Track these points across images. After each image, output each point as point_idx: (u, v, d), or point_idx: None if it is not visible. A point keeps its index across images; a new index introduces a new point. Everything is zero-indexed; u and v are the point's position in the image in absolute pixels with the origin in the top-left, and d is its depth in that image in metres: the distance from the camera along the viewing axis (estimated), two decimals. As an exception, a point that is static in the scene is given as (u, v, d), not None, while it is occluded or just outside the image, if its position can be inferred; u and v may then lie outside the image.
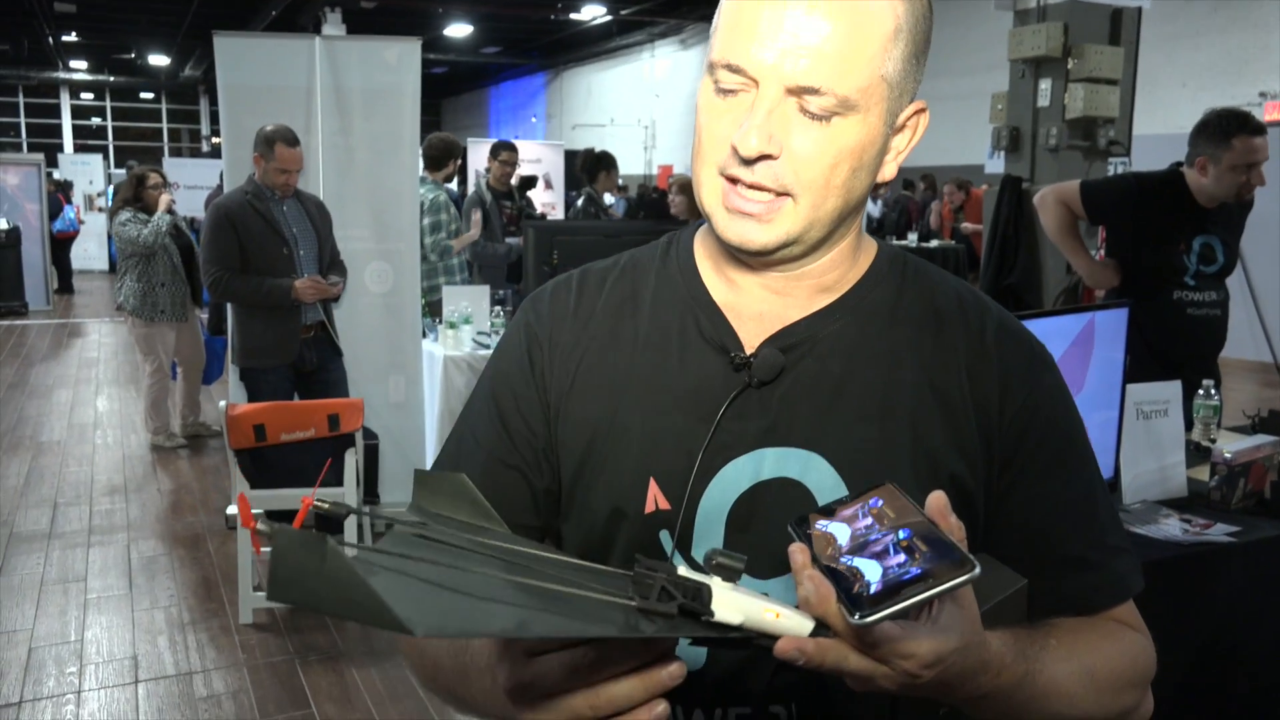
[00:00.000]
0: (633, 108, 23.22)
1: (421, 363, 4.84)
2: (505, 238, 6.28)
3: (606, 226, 6.03)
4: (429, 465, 4.25)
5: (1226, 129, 3.07)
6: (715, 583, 0.65)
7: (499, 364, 1.00)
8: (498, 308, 4.94)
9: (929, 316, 0.93)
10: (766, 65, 0.79)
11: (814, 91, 0.79)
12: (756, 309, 0.92)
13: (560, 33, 21.46)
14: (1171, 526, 2.30)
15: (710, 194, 0.86)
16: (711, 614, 0.64)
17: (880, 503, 0.72)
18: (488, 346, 4.69)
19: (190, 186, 11.91)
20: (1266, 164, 3.18)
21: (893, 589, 0.62)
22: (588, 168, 6.78)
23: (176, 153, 25.61)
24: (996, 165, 5.07)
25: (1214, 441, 2.92)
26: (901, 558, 0.65)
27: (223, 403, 3.83)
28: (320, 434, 3.69)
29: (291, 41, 4.40)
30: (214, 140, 27.07)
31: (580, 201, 6.92)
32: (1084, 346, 2.49)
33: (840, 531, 0.70)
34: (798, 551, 0.68)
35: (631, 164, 21.53)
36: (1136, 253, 3.28)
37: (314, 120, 4.41)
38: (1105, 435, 2.47)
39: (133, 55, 23.46)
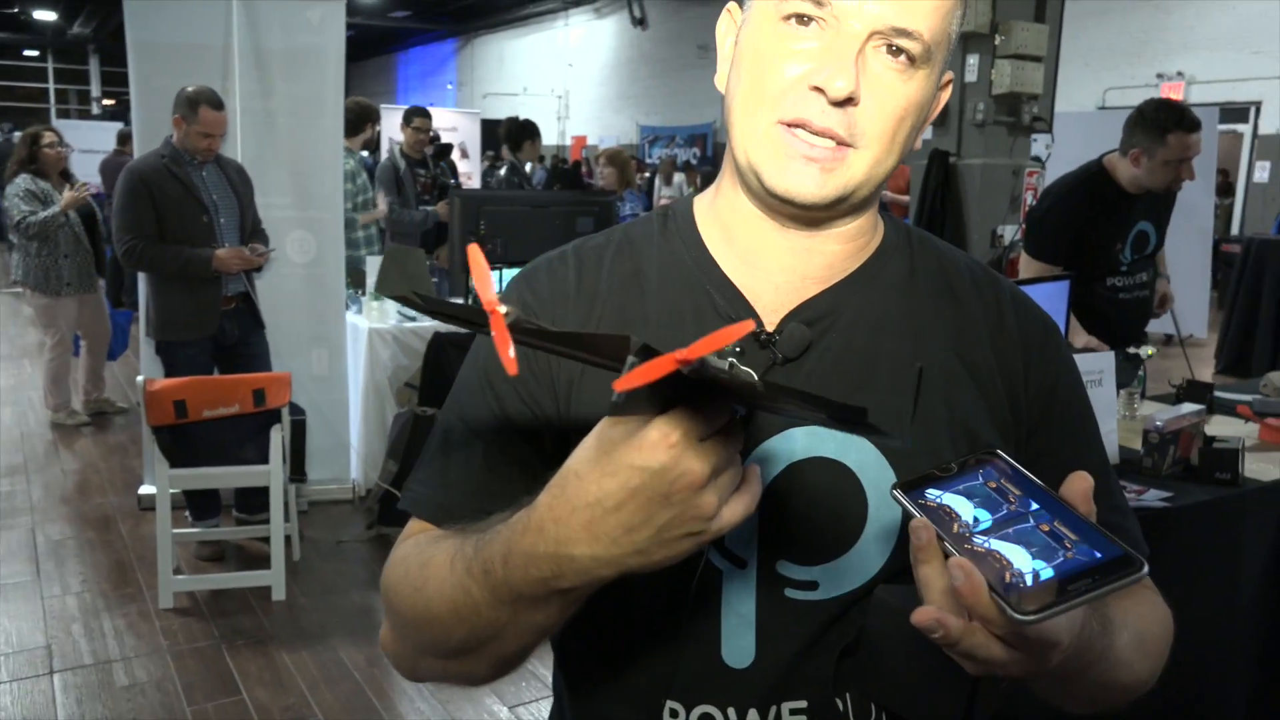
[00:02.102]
0: (546, 77, 22.96)
1: (345, 335, 4.70)
2: (420, 205, 6.14)
3: (534, 196, 5.94)
4: (354, 440, 4.10)
5: (1163, 124, 3.09)
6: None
7: (487, 347, 0.93)
8: (422, 278, 4.82)
9: (944, 288, 0.90)
10: (854, 2, 0.74)
11: (906, 34, 0.75)
12: (772, 282, 0.87)
13: (472, -2, 21.06)
14: (1109, 493, 2.37)
15: (763, 144, 0.79)
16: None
17: (995, 475, 0.68)
18: (413, 318, 4.58)
19: (85, 150, 11.32)
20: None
21: (1054, 584, 0.58)
22: (511, 136, 6.66)
23: (64, 114, 24.38)
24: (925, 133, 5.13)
25: (1139, 411, 3.03)
26: (1050, 544, 0.61)
27: (141, 378, 3.65)
28: (245, 410, 3.55)
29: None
30: (105, 102, 25.86)
31: (503, 171, 6.80)
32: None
33: (961, 506, 0.66)
34: (921, 528, 0.63)
35: (545, 134, 21.28)
36: (1077, 253, 3.29)
37: (231, 82, 4.21)
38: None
39: (15, 10, 22.20)
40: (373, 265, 4.82)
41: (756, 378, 0.59)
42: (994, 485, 0.67)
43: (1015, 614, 0.57)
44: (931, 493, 0.67)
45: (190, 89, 3.82)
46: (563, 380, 0.87)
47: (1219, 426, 2.91)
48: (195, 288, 3.90)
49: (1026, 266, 3.42)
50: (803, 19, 0.77)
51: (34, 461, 5.37)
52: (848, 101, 0.75)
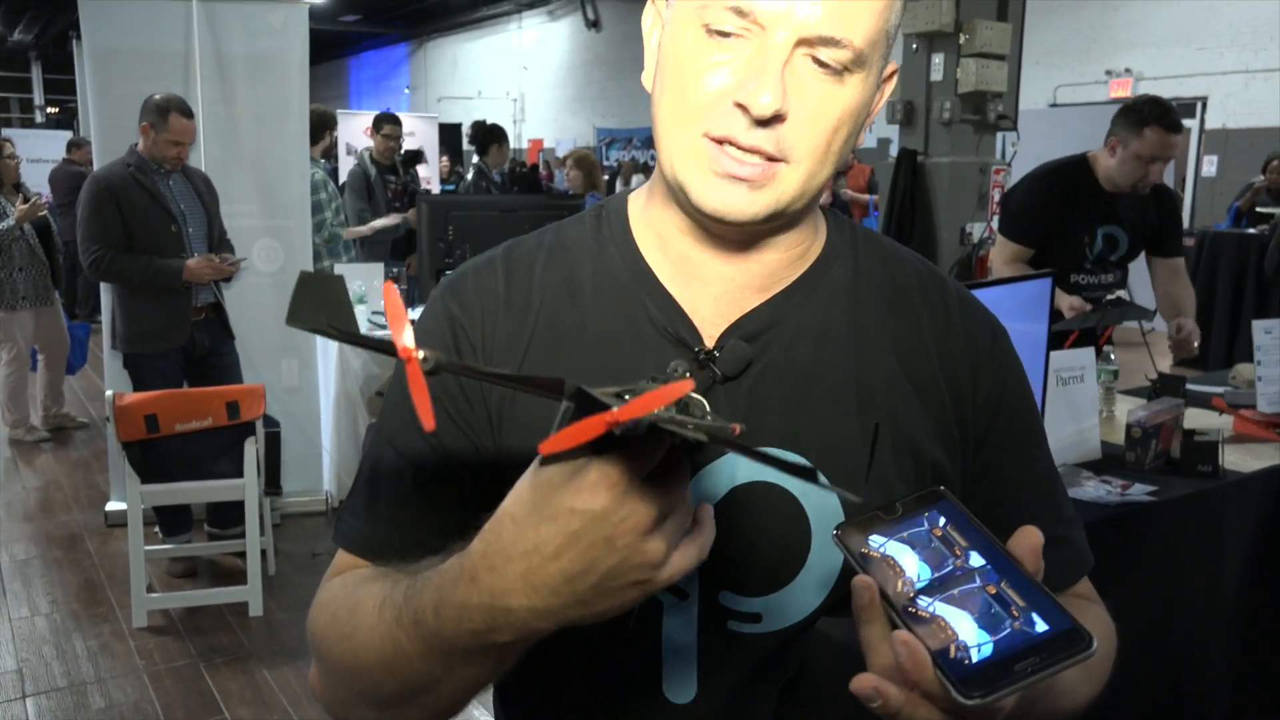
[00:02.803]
0: (500, 80, 22.84)
1: (315, 345, 4.63)
2: (390, 212, 6.07)
3: (501, 201, 5.89)
4: (326, 451, 4.03)
5: (1143, 117, 3.09)
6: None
7: None
8: (392, 286, 4.76)
9: (889, 292, 0.85)
10: (778, 10, 0.68)
11: (833, 43, 0.69)
12: (710, 293, 0.82)
13: (423, 1, 20.89)
14: (1095, 488, 2.40)
15: (689, 159, 0.73)
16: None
17: (942, 520, 0.64)
18: (384, 326, 4.53)
19: (34, 160, 11.05)
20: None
21: (1000, 663, 0.55)
22: (479, 140, 6.61)
23: (6, 124, 23.79)
24: (883, 132, 5.15)
25: (1117, 406, 3.08)
26: (996, 611, 0.58)
27: (109, 393, 3.56)
28: (218, 423, 3.47)
29: (165, 3, 4.10)
30: (49, 110, 25.28)
31: (470, 175, 6.74)
32: (1022, 311, 2.56)
33: (904, 558, 0.63)
34: (864, 589, 0.60)
35: (501, 137, 21.17)
36: (1044, 241, 3.32)
37: (193, 88, 4.13)
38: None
39: (-46, 17, 21.63)
40: (342, 273, 4.75)
41: (735, 431, 0.54)
42: (939, 533, 0.64)
43: (960, 698, 0.55)
44: (875, 539, 0.65)
45: (159, 96, 3.74)
46: (494, 400, 0.81)
47: (1194, 419, 2.95)
48: (165, 299, 3.82)
49: (1000, 246, 3.46)
50: (723, 35, 0.71)
51: (-8, 480, 5.24)
52: (775, 119, 0.70)
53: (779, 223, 0.77)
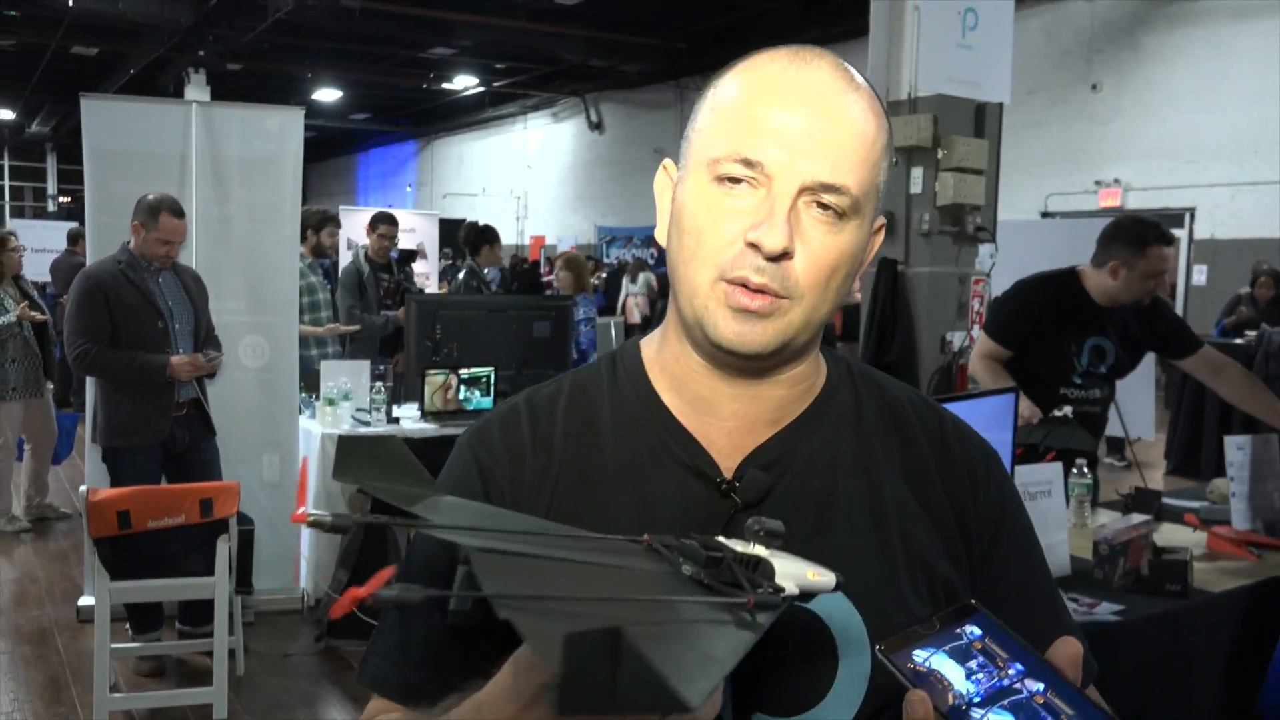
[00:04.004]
0: (505, 178, 23.32)
1: (298, 440, 4.64)
2: (381, 310, 6.15)
3: (490, 301, 5.97)
4: (305, 548, 4.00)
5: (1143, 238, 3.17)
6: (764, 552, 0.62)
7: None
8: (378, 383, 4.80)
9: (889, 422, 0.92)
10: (784, 161, 0.78)
11: (834, 189, 0.79)
12: (724, 427, 0.88)
13: (432, 102, 21.48)
14: (1062, 605, 2.38)
15: (708, 298, 0.82)
16: (783, 589, 0.60)
17: (980, 634, 0.67)
18: (367, 424, 4.54)
19: (38, 250, 11.25)
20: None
21: None
22: (470, 240, 6.73)
23: (19, 212, 24.27)
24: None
25: (1090, 521, 3.06)
26: None
27: (83, 487, 3.56)
28: (191, 520, 3.46)
29: (165, 106, 4.24)
30: (61, 200, 25.78)
31: (462, 275, 6.85)
32: (983, 426, 2.57)
33: (951, 671, 0.65)
34: (919, 702, 0.63)
35: (503, 234, 21.44)
36: (1026, 348, 3.35)
37: (188, 189, 4.23)
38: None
39: (-27, 109, 22.25)
40: (326, 370, 4.79)
41: (749, 602, 0.60)
42: (980, 646, 0.66)
43: None
44: (918, 654, 0.66)
45: (151, 196, 3.84)
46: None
47: (1168, 535, 2.94)
48: (146, 394, 3.85)
49: (980, 340, 3.51)
50: (735, 180, 0.80)
51: (-32, 572, 5.18)
52: (783, 256, 0.78)
53: (786, 354, 0.84)
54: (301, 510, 0.58)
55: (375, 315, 6.08)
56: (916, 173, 4.69)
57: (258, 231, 4.39)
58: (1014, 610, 0.88)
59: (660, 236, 0.90)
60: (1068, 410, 3.25)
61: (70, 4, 10.65)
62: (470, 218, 8.80)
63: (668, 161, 0.91)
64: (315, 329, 5.69)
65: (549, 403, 0.93)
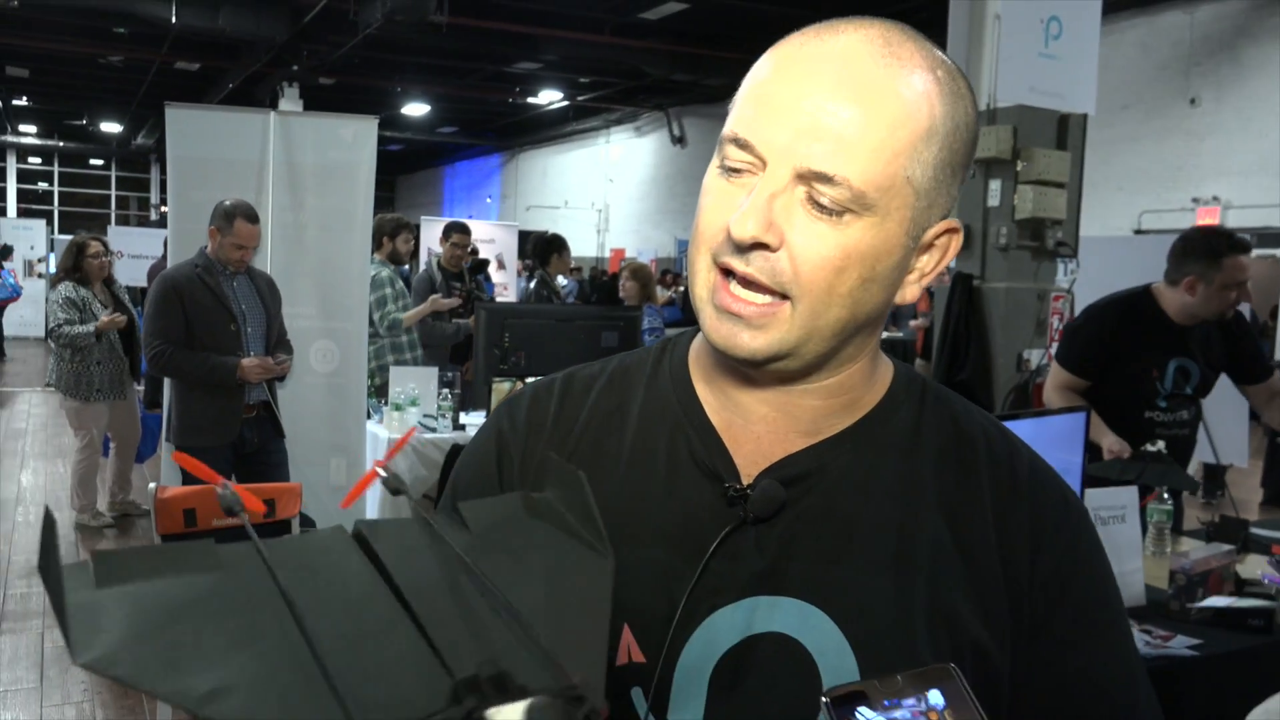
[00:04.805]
0: (587, 191, 23.51)
1: (365, 445, 4.70)
2: (453, 318, 6.21)
3: (558, 310, 5.98)
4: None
5: (1217, 249, 3.03)
6: None
7: (462, 475, 0.89)
8: (445, 390, 4.84)
9: (951, 452, 0.81)
10: (777, 145, 0.70)
11: (826, 179, 0.69)
12: (754, 431, 0.80)
13: (517, 115, 21.77)
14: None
15: (702, 285, 0.76)
16: None
17: (943, 704, 0.59)
18: (433, 429, 4.58)
19: (135, 256, 11.71)
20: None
21: None
22: (539, 251, 6.77)
23: (124, 220, 25.31)
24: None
25: (1169, 549, 2.91)
26: None
27: (152, 485, 3.65)
28: (254, 520, 3.51)
29: (246, 116, 4.36)
30: (163, 209, 26.83)
31: (532, 284, 6.89)
32: (1052, 447, 2.47)
33: None
34: None
35: (584, 246, 21.72)
36: (1105, 375, 3.21)
37: (265, 195, 4.34)
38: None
39: (84, 121, 23.31)
40: (395, 375, 4.85)
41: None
42: (935, 718, 0.59)
43: None
44: (863, 713, 0.59)
45: (228, 202, 3.94)
46: None
47: (1254, 567, 2.78)
48: (217, 395, 3.94)
49: (1053, 372, 3.36)
50: (737, 170, 0.73)
51: (53, 563, 5.36)
52: (760, 246, 0.70)
53: (792, 362, 0.76)
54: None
55: (446, 323, 6.14)
56: (994, 185, 4.56)
57: (330, 238, 4.48)
58: (1064, 706, 0.78)
59: None
60: (1161, 445, 3.09)
61: (173, 21, 11.06)
62: (552, 230, 8.89)
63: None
64: (422, 308, 5.70)
65: (587, 382, 0.89)
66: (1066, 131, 4.62)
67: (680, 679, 0.75)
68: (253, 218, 3.93)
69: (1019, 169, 4.49)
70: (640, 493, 0.80)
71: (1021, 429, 2.37)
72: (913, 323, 11.06)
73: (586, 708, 0.42)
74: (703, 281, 0.75)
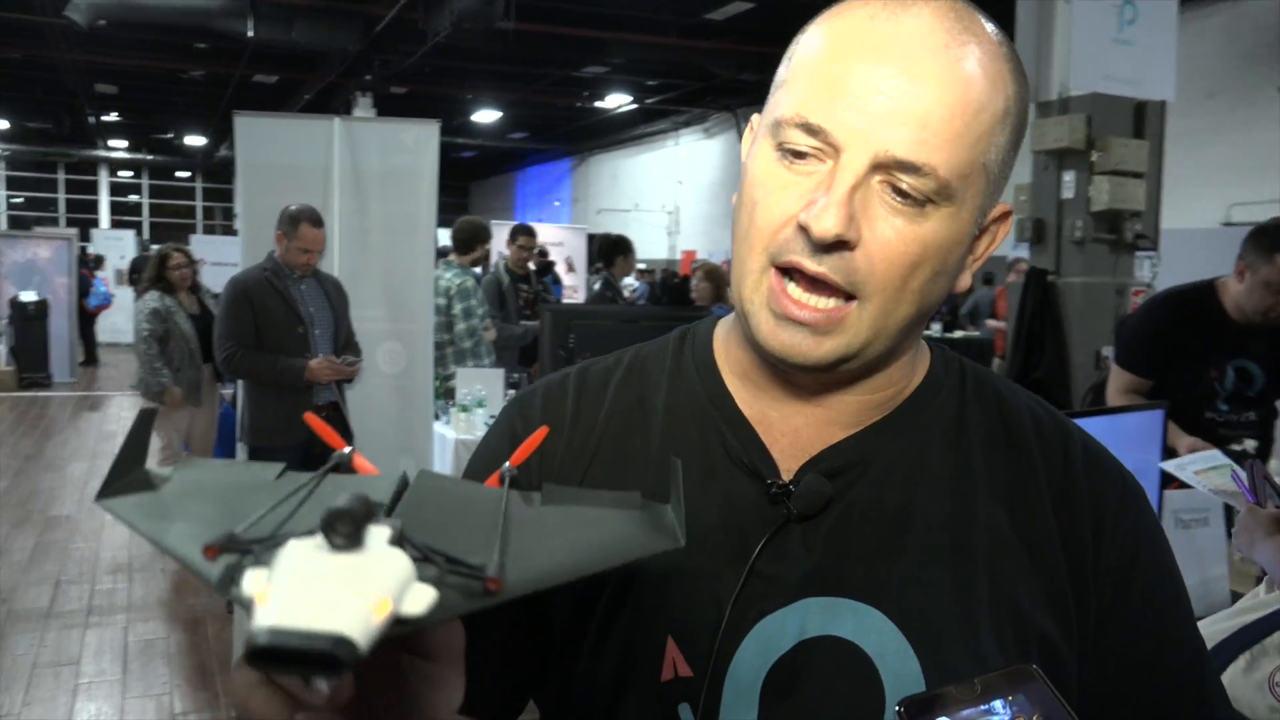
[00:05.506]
0: (657, 193, 23.54)
1: (432, 445, 4.75)
2: (520, 320, 6.25)
3: (624, 311, 5.99)
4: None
5: (1274, 242, 2.88)
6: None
7: (473, 476, 0.85)
8: (512, 391, 4.88)
9: (999, 436, 0.77)
10: (855, 130, 0.64)
11: (912, 169, 0.64)
12: (792, 424, 0.76)
13: (586, 119, 21.90)
14: (1215, 644, 2.16)
15: (754, 287, 0.69)
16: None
17: (1026, 707, 0.56)
18: (500, 430, 4.61)
19: (216, 263, 12.05)
20: None
21: None
22: (604, 253, 6.78)
23: (210, 230, 26.10)
24: (1011, 251, 4.99)
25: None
26: None
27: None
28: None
29: (311, 122, 4.45)
30: (244, 218, 27.61)
31: (597, 286, 6.91)
32: (1127, 447, 2.37)
33: None
34: None
35: (655, 249, 21.75)
36: (1164, 373, 3.08)
37: (331, 200, 4.42)
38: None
39: (170, 135, 24.08)
40: (464, 377, 4.90)
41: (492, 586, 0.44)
42: None
43: None
44: None
45: (293, 207, 4.02)
46: None
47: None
48: (286, 396, 4.02)
49: (1114, 375, 3.23)
50: (799, 155, 0.67)
51: (138, 560, 5.54)
52: (840, 244, 0.65)
53: (856, 365, 0.71)
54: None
55: (514, 325, 6.19)
56: (1068, 176, 4.43)
57: (395, 241, 4.54)
58: (1136, 693, 0.74)
59: (734, 201, 0.75)
60: (1248, 444, 2.94)
61: (250, 35, 11.36)
62: (621, 232, 8.91)
63: (756, 118, 0.77)
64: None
65: (603, 376, 0.83)
66: (1144, 120, 4.47)
67: (730, 691, 0.70)
68: (317, 222, 4.00)
69: (1094, 159, 4.35)
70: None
71: (1094, 426, 2.28)
72: (990, 322, 10.82)
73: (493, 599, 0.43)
74: (754, 284, 0.70)
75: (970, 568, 0.72)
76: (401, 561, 0.42)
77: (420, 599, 0.41)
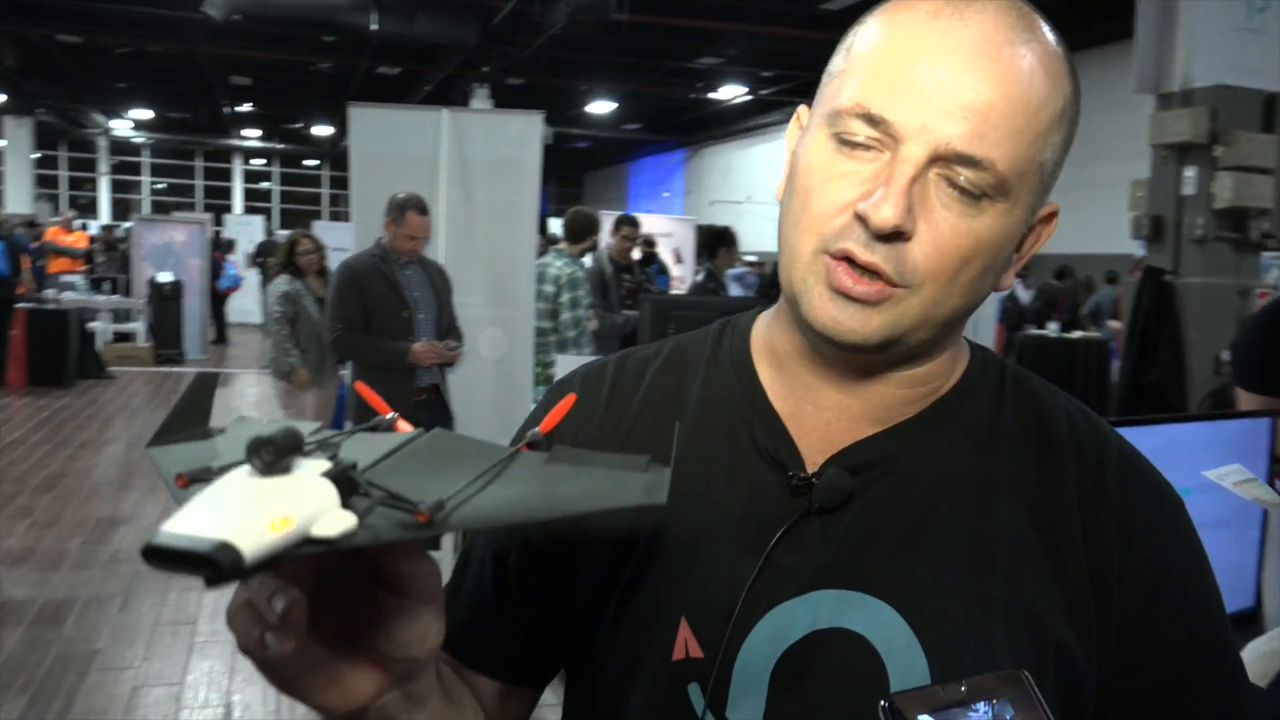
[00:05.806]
0: (769, 186, 23.14)
1: (531, 429, 4.86)
2: (622, 309, 6.31)
3: (724, 302, 5.98)
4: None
5: None
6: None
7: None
8: (610, 379, 4.94)
9: (1033, 439, 0.76)
10: (916, 121, 0.65)
11: (972, 163, 0.65)
12: (822, 418, 0.76)
13: (699, 111, 21.87)
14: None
15: (807, 270, 0.70)
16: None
17: (1011, 714, 0.56)
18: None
19: (336, 249, 12.51)
20: None
21: None
22: (708, 243, 6.79)
23: (336, 216, 27.11)
24: (1126, 248, 4.78)
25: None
26: None
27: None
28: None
29: (420, 113, 4.59)
30: (366, 206, 28.54)
31: (700, 277, 6.92)
32: (1225, 455, 2.27)
33: None
34: None
35: (767, 241, 21.57)
36: None
37: (438, 189, 4.55)
38: (1245, 556, 2.24)
39: (300, 125, 25.05)
40: (562, 364, 4.99)
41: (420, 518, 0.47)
42: None
43: None
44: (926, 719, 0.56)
45: (401, 195, 4.16)
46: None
47: None
48: (390, 377, 4.17)
49: (1242, 401, 3.07)
50: (856, 145, 0.68)
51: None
52: (896, 235, 0.66)
53: (897, 350, 0.72)
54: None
55: (616, 314, 6.25)
56: (1189, 172, 4.23)
57: (499, 230, 4.65)
58: (1166, 709, 0.73)
59: (778, 192, 0.76)
60: None
61: (373, 28, 11.74)
62: (735, 225, 8.91)
63: (802, 108, 0.78)
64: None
65: (641, 364, 0.85)
66: (1275, 113, 4.23)
67: (740, 675, 0.72)
68: (423, 209, 4.13)
69: (1217, 154, 4.15)
70: (700, 481, 0.76)
71: (1177, 434, 2.20)
72: (1111, 323, 10.40)
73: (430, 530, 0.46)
74: (806, 267, 0.70)
75: (989, 571, 0.72)
76: (324, 489, 0.46)
77: (336, 523, 0.44)
